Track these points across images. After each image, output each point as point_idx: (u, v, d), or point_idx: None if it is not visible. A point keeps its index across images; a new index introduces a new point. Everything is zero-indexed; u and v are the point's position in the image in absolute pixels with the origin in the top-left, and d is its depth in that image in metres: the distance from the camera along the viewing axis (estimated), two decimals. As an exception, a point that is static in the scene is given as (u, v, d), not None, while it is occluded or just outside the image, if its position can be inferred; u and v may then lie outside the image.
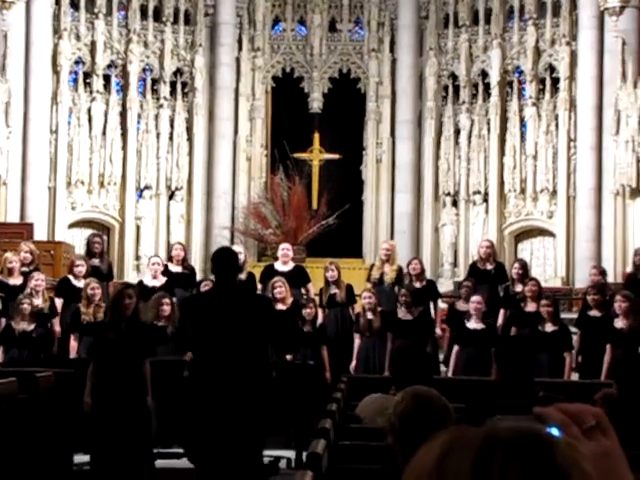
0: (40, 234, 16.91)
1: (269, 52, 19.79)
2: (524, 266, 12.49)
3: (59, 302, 11.84)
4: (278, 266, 12.54)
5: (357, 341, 11.57)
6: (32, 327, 11.26)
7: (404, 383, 4.81)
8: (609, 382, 6.92)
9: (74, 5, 18.62)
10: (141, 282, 12.79)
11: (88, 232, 16.73)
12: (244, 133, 19.52)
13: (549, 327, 10.77)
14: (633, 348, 10.08)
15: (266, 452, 7.84)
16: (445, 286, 16.84)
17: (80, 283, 11.74)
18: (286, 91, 19.73)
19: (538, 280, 12.01)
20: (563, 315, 11.88)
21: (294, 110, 19.54)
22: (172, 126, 19.04)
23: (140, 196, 18.93)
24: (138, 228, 18.79)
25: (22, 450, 8.39)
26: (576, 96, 18.06)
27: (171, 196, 19.08)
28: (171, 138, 19.03)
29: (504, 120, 18.68)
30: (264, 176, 19.59)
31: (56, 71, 18.26)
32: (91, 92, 18.56)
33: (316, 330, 11.27)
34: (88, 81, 18.64)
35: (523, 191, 18.48)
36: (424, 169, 19.21)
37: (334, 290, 12.10)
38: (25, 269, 12.17)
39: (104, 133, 18.56)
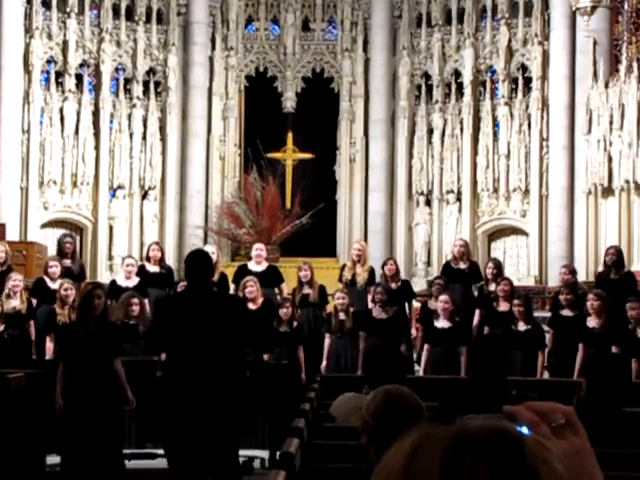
0: (12, 234, 16.80)
1: (242, 51, 19.77)
2: (498, 265, 12.54)
3: (33, 303, 11.77)
4: (252, 266, 12.53)
5: (327, 341, 11.56)
6: (1, 328, 11.18)
7: (377, 382, 4.82)
8: (579, 380, 6.95)
9: (46, 4, 18.52)
10: (114, 282, 12.75)
11: (61, 232, 16.64)
12: (217, 132, 19.49)
13: (522, 326, 10.81)
14: (605, 347, 10.12)
15: (240, 452, 7.83)
16: (419, 285, 16.88)
17: (55, 284, 11.69)
18: (259, 90, 19.72)
19: (510, 279, 12.05)
20: (536, 314, 11.93)
21: (267, 109, 19.52)
22: (145, 125, 18.98)
23: (113, 196, 18.86)
24: (111, 228, 18.72)
25: (-6, 451, 8.34)
26: (548, 95, 18.15)
27: (144, 195, 19.01)
28: (144, 137, 18.97)
29: (477, 119, 18.75)
30: (237, 175, 19.57)
31: (28, 70, 18.15)
32: (63, 91, 18.47)
33: (292, 330, 11.26)
34: (60, 80, 18.54)
35: (496, 190, 18.55)
36: (397, 168, 19.25)
37: (307, 290, 12.09)
38: (-1, 269, 12.09)
39: (76, 133, 18.47)
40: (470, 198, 18.67)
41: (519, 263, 18.44)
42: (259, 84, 19.77)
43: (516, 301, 10.95)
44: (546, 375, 11.04)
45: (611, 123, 16.72)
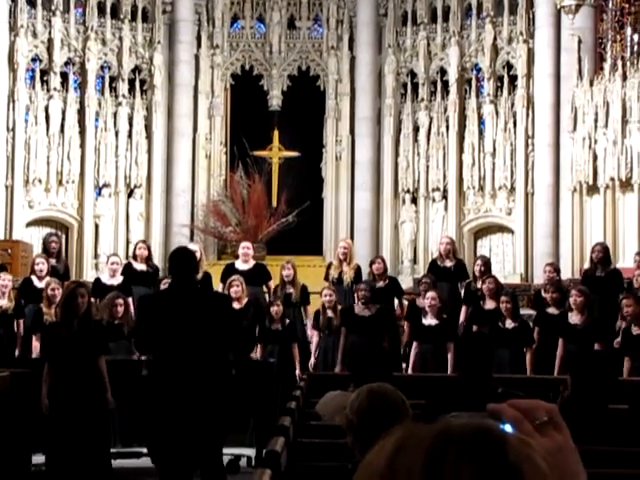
0: (-3, 233, 16.77)
1: (228, 49, 19.75)
2: (486, 263, 12.54)
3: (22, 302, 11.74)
4: (239, 265, 12.51)
5: (315, 339, 11.56)
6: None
7: (363, 380, 4.82)
8: (563, 377, 6.97)
9: (31, 2, 18.46)
10: (98, 280, 12.73)
11: (46, 231, 16.60)
12: (203, 131, 19.47)
13: (509, 323, 10.82)
14: (587, 344, 10.13)
15: (226, 450, 7.82)
16: (405, 283, 16.85)
17: (41, 283, 11.66)
18: (245, 89, 19.70)
19: (496, 277, 12.06)
20: (522, 311, 11.94)
21: (253, 108, 19.51)
22: (131, 124, 18.95)
23: (99, 194, 18.82)
24: (97, 226, 18.68)
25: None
26: (533, 93, 18.19)
27: (130, 194, 18.98)
28: (130, 136, 18.93)
29: (462, 117, 18.78)
30: (223, 174, 19.55)
31: (13, 69, 18.09)
32: (48, 90, 18.41)
33: (285, 328, 11.25)
34: (45, 79, 18.49)
35: (482, 188, 18.59)
36: (383, 166, 19.26)
37: (289, 289, 12.08)
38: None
39: (62, 131, 18.42)
40: (456, 196, 18.70)
41: (505, 261, 18.48)
42: (245, 82, 19.75)
43: (503, 298, 10.96)
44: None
45: (596, 121, 16.77)
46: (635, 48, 16.64)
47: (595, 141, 16.74)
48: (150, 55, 19.10)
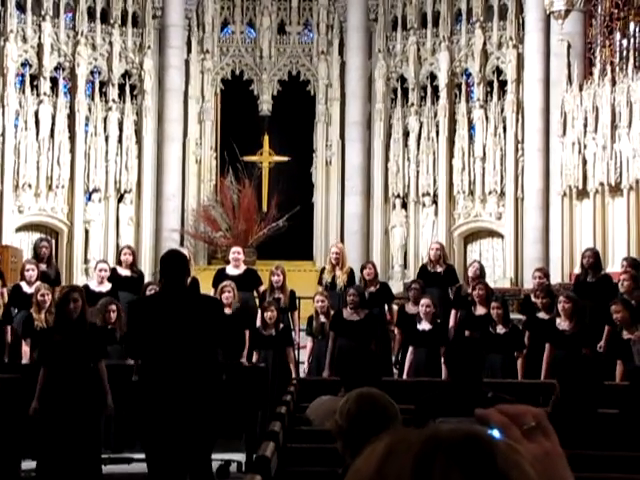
0: (-13, 238, 16.72)
1: (218, 54, 19.76)
2: (482, 268, 12.54)
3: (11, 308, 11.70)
4: (229, 270, 12.49)
5: (309, 344, 11.55)
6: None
7: (353, 385, 4.82)
8: (551, 382, 6.97)
9: (20, 7, 18.45)
10: (87, 287, 12.68)
11: (36, 236, 16.58)
12: (193, 136, 19.47)
13: (500, 329, 10.83)
14: (575, 349, 10.14)
15: (217, 456, 7.81)
16: (395, 288, 16.86)
17: (31, 289, 11.62)
18: (235, 93, 19.71)
19: (486, 283, 12.06)
20: (512, 316, 11.94)
21: (244, 112, 19.52)
22: (121, 129, 18.94)
23: (89, 199, 18.79)
24: (87, 231, 18.65)
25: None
26: (523, 98, 18.23)
27: (120, 199, 18.96)
28: (120, 141, 18.92)
29: (452, 122, 18.81)
30: (214, 179, 19.55)
31: (2, 74, 18.07)
32: (38, 95, 18.40)
33: (279, 332, 11.23)
34: (35, 84, 18.47)
35: (472, 193, 18.62)
36: (374, 171, 19.28)
37: (278, 295, 12.06)
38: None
39: (52, 136, 18.41)
40: (446, 201, 18.73)
41: (495, 265, 18.51)
42: (235, 87, 19.76)
43: (494, 304, 10.97)
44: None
45: (585, 126, 16.81)
46: (624, 53, 16.69)
47: (584, 146, 16.78)
48: (140, 60, 19.09)
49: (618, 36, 16.93)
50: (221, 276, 12.23)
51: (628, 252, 15.39)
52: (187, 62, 19.51)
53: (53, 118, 18.43)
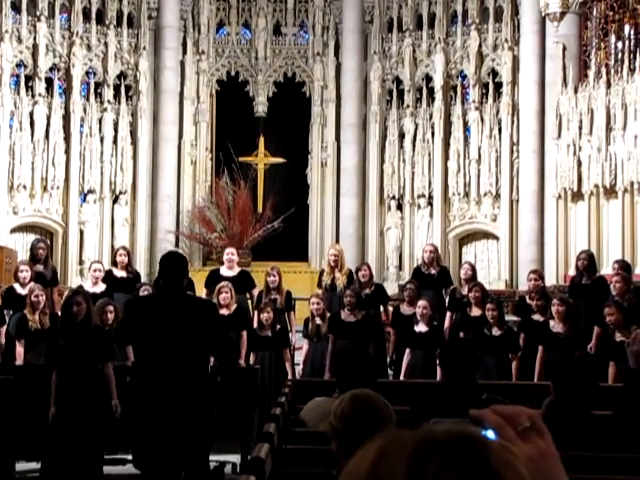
0: (-19, 239, 16.70)
1: (214, 55, 19.75)
2: (473, 268, 12.57)
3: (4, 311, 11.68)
4: (223, 271, 12.46)
5: (305, 346, 11.55)
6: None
7: (347, 386, 4.82)
8: (545, 383, 6.97)
9: (15, 7, 18.43)
10: (81, 288, 12.66)
11: (31, 237, 16.56)
12: (189, 137, 19.46)
13: (495, 331, 10.84)
14: (569, 352, 10.15)
15: (212, 457, 7.80)
16: (390, 289, 16.86)
17: (24, 290, 11.60)
18: (231, 95, 19.70)
19: (482, 285, 12.06)
20: (507, 318, 11.95)
21: (239, 114, 19.52)
22: (116, 130, 18.92)
23: (84, 200, 18.78)
24: (82, 232, 18.64)
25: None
26: (518, 100, 18.25)
27: (115, 200, 18.95)
28: (115, 142, 18.91)
29: (448, 124, 18.82)
30: (209, 180, 19.54)
31: (-3, 74, 18.05)
32: (33, 95, 18.38)
33: (275, 334, 11.22)
34: (30, 84, 18.45)
35: (467, 194, 18.63)
36: (369, 173, 19.29)
37: (274, 296, 12.05)
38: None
39: (47, 137, 18.39)
40: (441, 202, 18.74)
41: (490, 267, 18.52)
42: (230, 88, 19.75)
43: (489, 306, 10.97)
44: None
45: (580, 128, 16.84)
46: (619, 55, 16.71)
47: (579, 148, 16.80)
48: (135, 61, 19.08)
49: (613, 38, 16.96)
50: (215, 277, 12.20)
51: (622, 254, 15.41)
52: (182, 63, 19.51)
53: (48, 119, 18.41)
